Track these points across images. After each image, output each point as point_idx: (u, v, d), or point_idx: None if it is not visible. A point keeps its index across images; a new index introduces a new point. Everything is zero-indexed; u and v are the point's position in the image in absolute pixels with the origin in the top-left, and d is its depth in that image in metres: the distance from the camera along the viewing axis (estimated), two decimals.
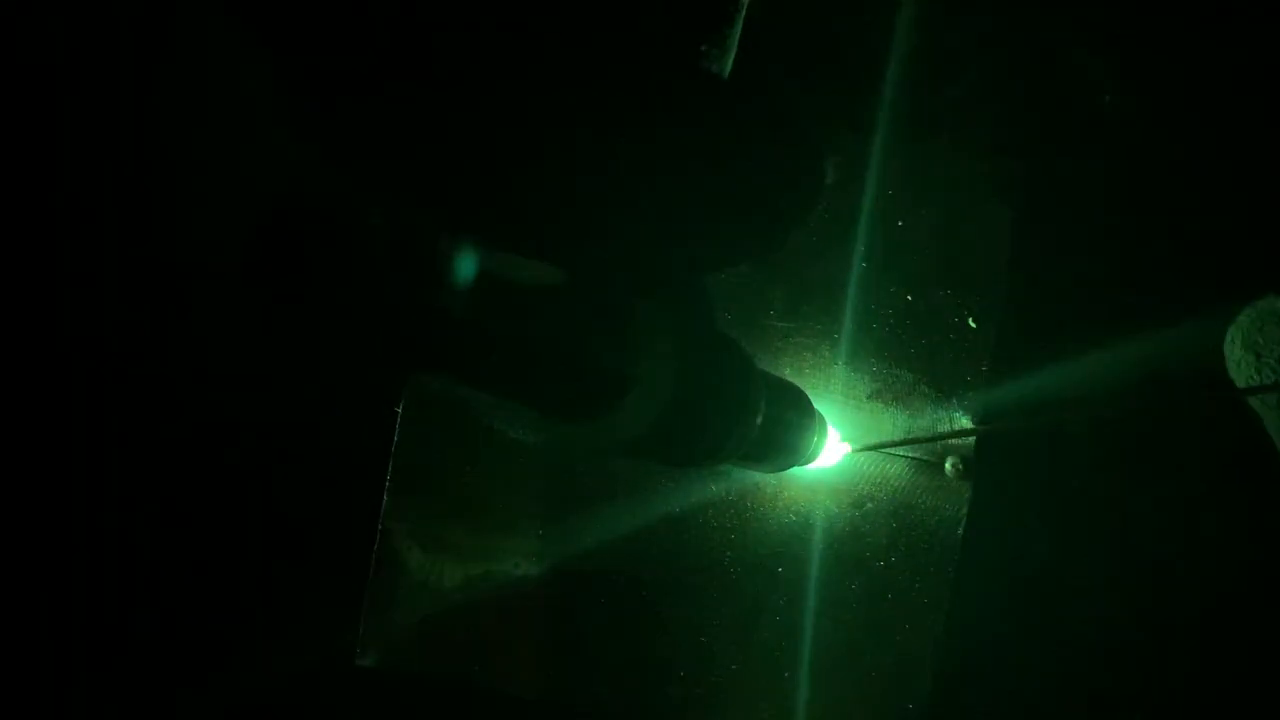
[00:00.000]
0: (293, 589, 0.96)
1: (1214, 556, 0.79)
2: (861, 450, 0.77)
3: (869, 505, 0.80)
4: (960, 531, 0.78)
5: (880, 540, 0.80)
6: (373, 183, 0.47)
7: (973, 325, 0.80)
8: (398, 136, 0.46)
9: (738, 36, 0.59)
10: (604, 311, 0.51)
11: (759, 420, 0.60)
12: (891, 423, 0.80)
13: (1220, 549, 0.79)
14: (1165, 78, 0.82)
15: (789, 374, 0.82)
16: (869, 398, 0.81)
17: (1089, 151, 0.84)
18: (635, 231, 0.53)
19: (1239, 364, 0.74)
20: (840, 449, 0.75)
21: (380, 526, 0.89)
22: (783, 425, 0.65)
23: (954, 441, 0.78)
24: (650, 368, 0.51)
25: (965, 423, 0.79)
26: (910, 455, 0.79)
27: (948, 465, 0.78)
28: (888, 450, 0.79)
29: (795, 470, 0.81)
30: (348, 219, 0.44)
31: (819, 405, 0.70)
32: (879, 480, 0.80)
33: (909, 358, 0.81)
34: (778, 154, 0.61)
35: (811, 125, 0.69)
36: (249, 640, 0.97)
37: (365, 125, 0.45)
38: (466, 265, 0.47)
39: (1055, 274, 0.83)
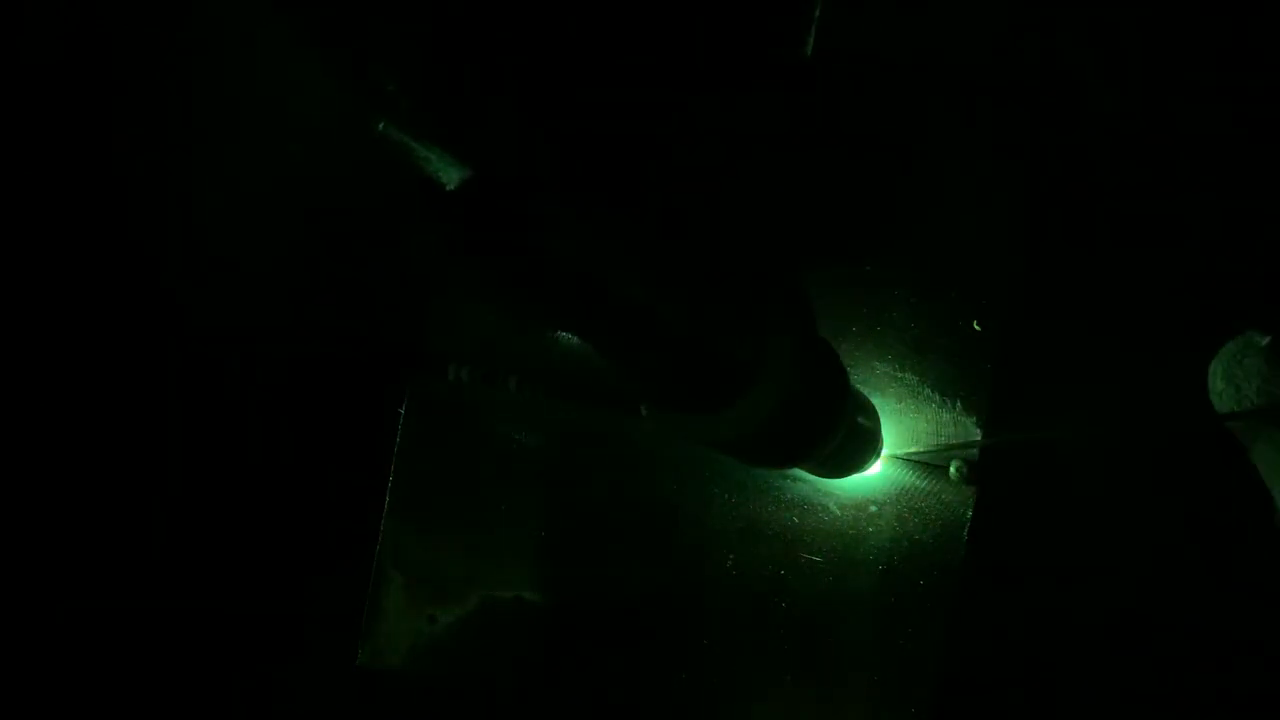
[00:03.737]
0: (294, 589, 0.96)
1: (1210, 565, 0.80)
2: (891, 457, 0.77)
3: (873, 509, 0.80)
4: (964, 535, 0.78)
5: (884, 543, 0.79)
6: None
7: (977, 328, 0.80)
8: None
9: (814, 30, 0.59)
10: (735, 306, 0.51)
11: (846, 426, 0.61)
12: (896, 425, 0.80)
13: (1215, 559, 0.80)
14: (1168, 79, 0.82)
15: None
16: (874, 400, 0.80)
17: (1093, 154, 0.83)
18: (756, 227, 0.53)
19: (1220, 395, 0.77)
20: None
21: (382, 527, 0.89)
22: (860, 433, 0.66)
23: (958, 446, 0.78)
24: (774, 366, 0.51)
25: (970, 425, 0.79)
26: (915, 459, 0.79)
27: (952, 469, 0.78)
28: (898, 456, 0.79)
29: (799, 474, 0.81)
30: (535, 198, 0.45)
31: None
32: (884, 484, 0.79)
33: (913, 360, 0.80)
34: (882, 151, 0.61)
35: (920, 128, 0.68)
36: (251, 639, 0.97)
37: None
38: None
39: (1060, 277, 0.83)
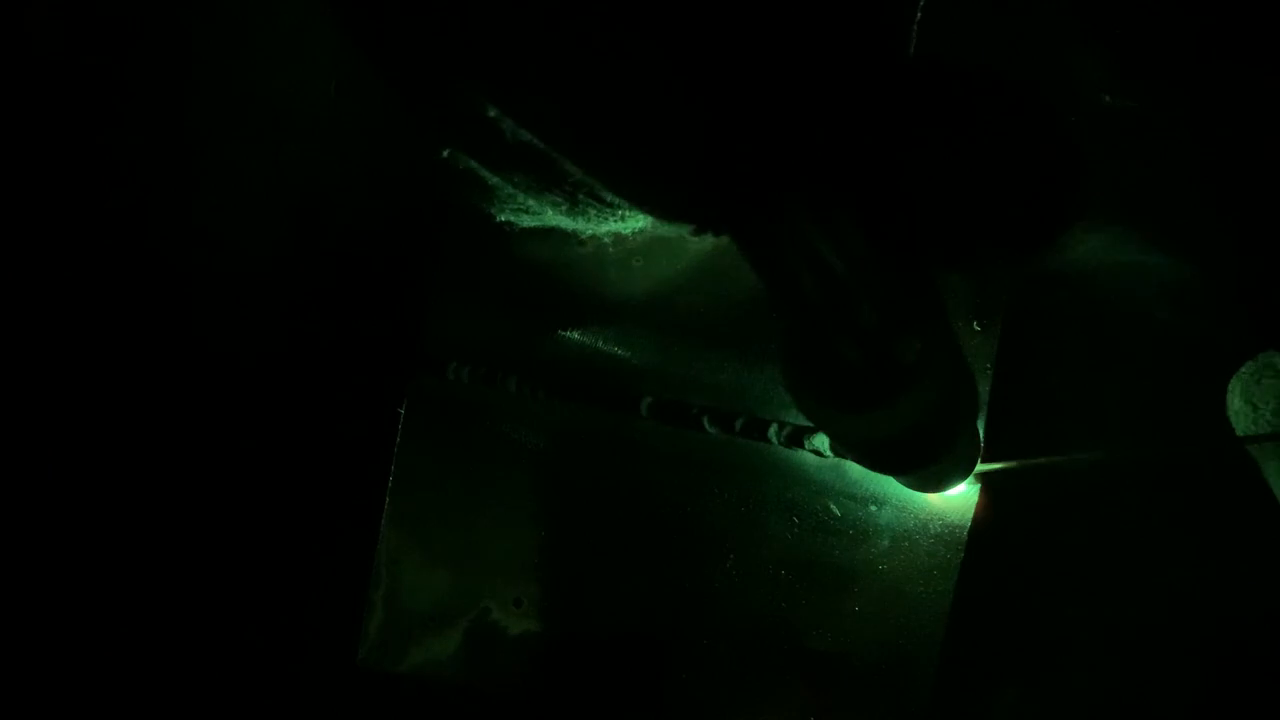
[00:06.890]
0: (294, 589, 0.96)
1: (1210, 575, 0.80)
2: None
3: (873, 508, 0.80)
4: (965, 536, 0.78)
5: (884, 543, 0.79)
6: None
7: (977, 328, 0.80)
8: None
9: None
10: (907, 305, 0.50)
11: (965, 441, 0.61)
12: None
13: (1216, 568, 0.80)
14: (1166, 78, 0.82)
15: None
16: None
17: (1093, 153, 0.83)
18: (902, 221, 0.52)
19: (1238, 414, 0.77)
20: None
21: (382, 527, 0.89)
22: (973, 446, 0.67)
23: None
24: (937, 371, 0.50)
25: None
26: None
27: None
28: None
29: (799, 473, 0.81)
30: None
31: None
32: (884, 483, 0.79)
33: None
34: (1030, 148, 0.60)
35: (1059, 113, 0.68)
36: (251, 639, 0.97)
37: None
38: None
39: (1062, 275, 0.82)
